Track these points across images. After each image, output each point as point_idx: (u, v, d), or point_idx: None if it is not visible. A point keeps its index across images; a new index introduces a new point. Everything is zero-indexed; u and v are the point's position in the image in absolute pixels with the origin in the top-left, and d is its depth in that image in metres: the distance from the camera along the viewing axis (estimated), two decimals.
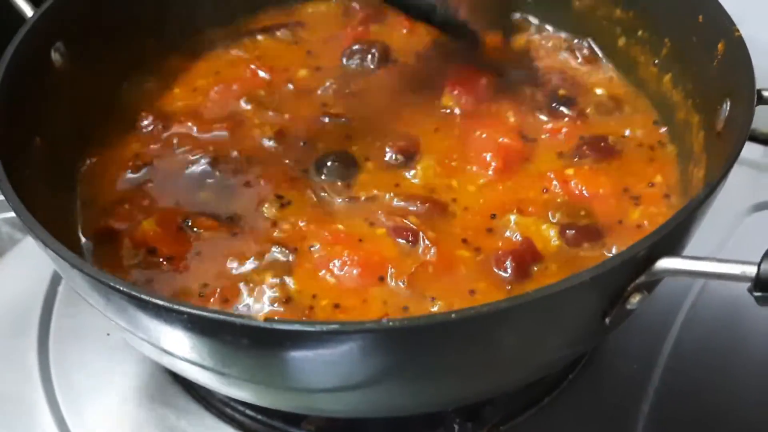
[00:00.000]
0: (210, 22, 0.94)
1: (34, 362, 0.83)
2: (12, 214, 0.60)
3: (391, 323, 0.51)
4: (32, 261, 0.92)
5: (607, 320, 0.58)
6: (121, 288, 0.55)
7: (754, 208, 0.91)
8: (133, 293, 0.54)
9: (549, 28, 0.93)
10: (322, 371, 0.57)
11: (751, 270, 0.52)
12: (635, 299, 0.57)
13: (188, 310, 0.53)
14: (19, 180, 0.64)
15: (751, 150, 0.61)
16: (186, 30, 0.92)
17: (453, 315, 0.51)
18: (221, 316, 0.52)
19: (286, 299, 0.67)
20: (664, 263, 0.55)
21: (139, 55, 0.89)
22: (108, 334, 0.84)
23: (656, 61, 0.83)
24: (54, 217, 0.69)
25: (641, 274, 0.55)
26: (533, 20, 0.93)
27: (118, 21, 0.86)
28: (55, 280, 0.90)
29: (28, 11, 0.78)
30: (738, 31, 0.70)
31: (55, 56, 0.79)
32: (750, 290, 0.52)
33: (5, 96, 0.70)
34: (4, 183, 0.62)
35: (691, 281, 0.83)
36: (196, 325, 0.54)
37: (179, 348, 0.59)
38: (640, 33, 0.85)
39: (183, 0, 0.92)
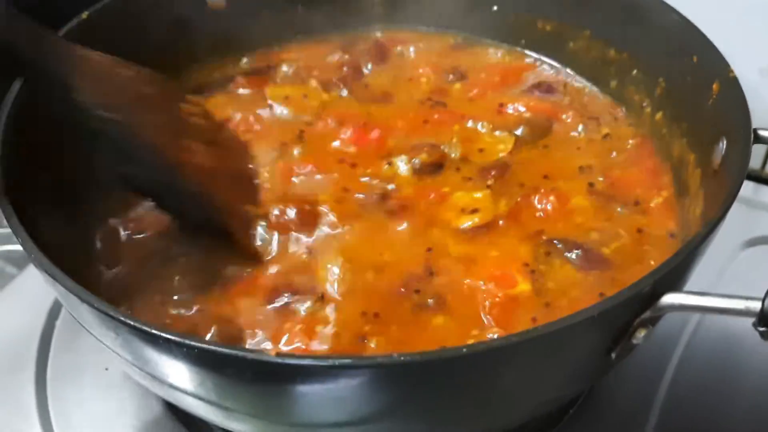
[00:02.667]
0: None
1: (32, 398, 0.82)
2: (7, 247, 0.60)
3: (402, 357, 0.52)
4: (29, 296, 0.92)
5: (613, 355, 0.59)
6: (131, 323, 0.55)
7: (746, 243, 0.93)
8: (144, 328, 0.54)
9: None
10: (330, 406, 0.57)
11: (756, 305, 0.53)
12: (641, 334, 0.57)
13: (200, 345, 0.53)
14: (27, 214, 0.64)
15: (742, 186, 0.63)
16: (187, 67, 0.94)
17: (464, 350, 0.52)
18: (233, 351, 0.53)
19: None
20: (669, 298, 0.56)
21: None
22: (106, 369, 0.83)
23: (650, 101, 0.85)
24: (67, 250, 0.69)
25: (647, 310, 0.56)
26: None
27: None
28: (53, 315, 0.89)
29: None
30: (732, 71, 0.72)
31: None
32: (754, 325, 0.53)
33: (13, 131, 0.70)
34: (11, 218, 0.62)
35: (688, 316, 0.84)
36: (206, 360, 0.54)
37: (186, 383, 0.59)
38: (634, 73, 0.87)
39: (185, 34, 0.93)
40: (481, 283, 0.70)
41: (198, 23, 0.93)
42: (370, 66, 0.96)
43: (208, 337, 0.66)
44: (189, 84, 0.93)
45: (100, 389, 0.82)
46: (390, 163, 0.82)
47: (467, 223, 0.76)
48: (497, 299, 0.69)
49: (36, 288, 0.92)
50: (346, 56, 0.97)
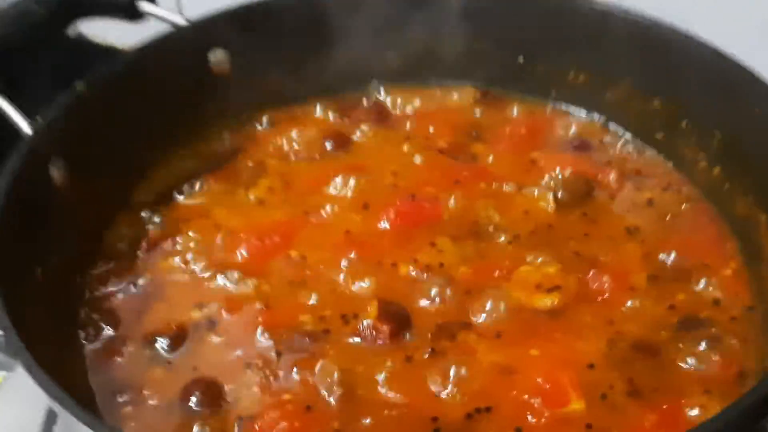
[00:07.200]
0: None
1: None
2: None
3: None
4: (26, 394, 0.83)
5: None
6: None
7: None
8: None
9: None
10: None
11: None
12: None
13: None
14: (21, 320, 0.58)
15: None
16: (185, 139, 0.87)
17: None
18: None
19: None
20: None
21: (138, 166, 0.84)
22: None
23: (705, 154, 0.79)
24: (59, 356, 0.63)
25: None
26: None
27: (114, 133, 0.80)
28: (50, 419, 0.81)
29: (26, 128, 0.71)
30: None
31: (54, 173, 0.73)
32: None
33: (5, 225, 0.63)
34: (13, 337, 0.55)
35: None
36: None
37: None
38: (683, 124, 0.80)
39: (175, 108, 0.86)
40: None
41: (204, 89, 0.86)
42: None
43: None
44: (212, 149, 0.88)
45: None
46: (434, 244, 0.74)
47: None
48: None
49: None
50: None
